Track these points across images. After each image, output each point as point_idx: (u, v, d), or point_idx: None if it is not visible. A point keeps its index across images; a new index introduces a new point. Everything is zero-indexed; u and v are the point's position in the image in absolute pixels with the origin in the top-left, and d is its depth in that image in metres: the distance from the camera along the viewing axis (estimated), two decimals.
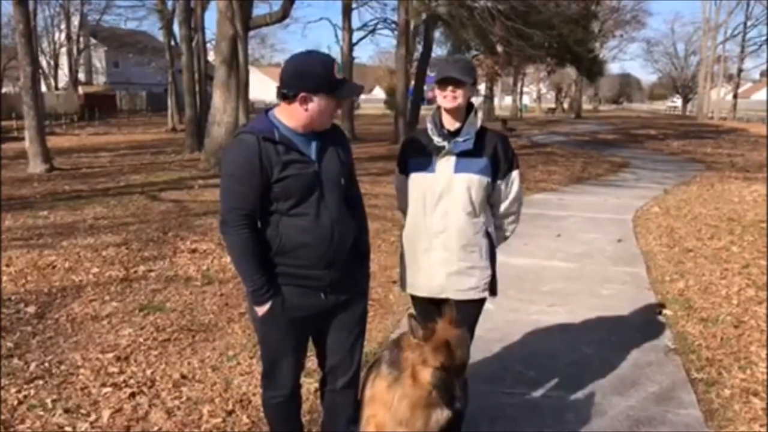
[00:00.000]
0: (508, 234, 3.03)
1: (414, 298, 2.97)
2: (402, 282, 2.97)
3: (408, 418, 2.41)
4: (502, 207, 2.90)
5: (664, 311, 5.14)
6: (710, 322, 4.91)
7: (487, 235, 2.84)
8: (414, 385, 2.36)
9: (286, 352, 2.54)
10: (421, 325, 2.36)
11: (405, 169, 2.88)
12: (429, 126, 2.81)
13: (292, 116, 2.36)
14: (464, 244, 2.77)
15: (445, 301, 2.82)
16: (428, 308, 2.90)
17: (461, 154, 2.73)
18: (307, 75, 2.29)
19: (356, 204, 2.62)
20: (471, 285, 2.80)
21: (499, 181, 2.81)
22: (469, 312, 2.86)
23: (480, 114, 2.81)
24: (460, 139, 2.73)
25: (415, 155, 2.83)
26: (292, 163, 2.33)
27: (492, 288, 2.88)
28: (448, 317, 2.47)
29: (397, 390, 2.43)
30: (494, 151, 2.77)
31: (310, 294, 2.46)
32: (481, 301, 2.88)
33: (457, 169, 2.73)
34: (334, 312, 2.56)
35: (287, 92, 2.31)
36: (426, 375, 2.32)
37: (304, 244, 2.38)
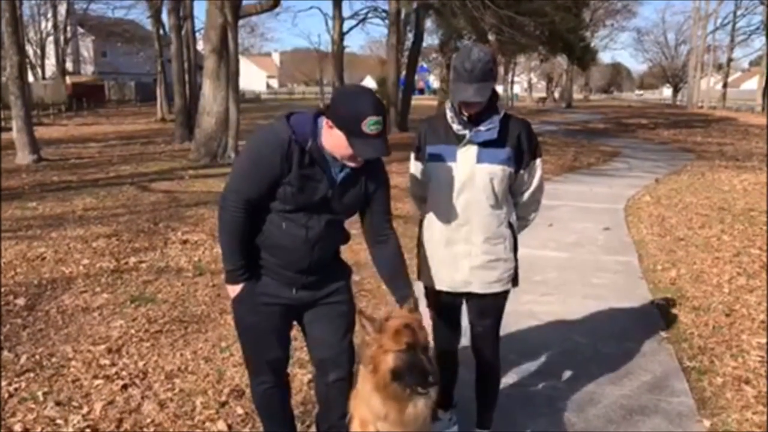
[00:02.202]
0: (529, 223, 2.94)
1: (432, 291, 2.87)
2: (419, 275, 2.89)
3: (383, 411, 2.37)
4: (525, 196, 2.81)
5: (659, 301, 5.17)
6: (702, 310, 4.94)
7: (510, 225, 2.75)
8: (374, 376, 2.31)
9: (261, 337, 2.54)
10: (370, 320, 2.31)
11: (422, 157, 2.79)
12: (448, 113, 2.68)
13: (326, 138, 2.29)
14: (487, 237, 2.68)
15: (468, 295, 2.78)
16: (448, 302, 2.85)
17: (484, 144, 2.61)
18: (338, 109, 2.23)
19: (386, 240, 2.54)
20: (495, 278, 2.73)
21: (522, 171, 2.71)
22: (493, 305, 2.82)
23: (501, 101, 2.69)
24: (482, 128, 2.60)
25: (434, 143, 2.71)
26: (309, 179, 2.30)
27: (514, 279, 2.81)
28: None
29: (366, 386, 2.40)
30: (518, 140, 2.66)
31: (281, 287, 2.47)
32: (504, 294, 2.82)
33: (480, 159, 2.61)
34: (311, 306, 2.54)
35: (326, 109, 2.28)
36: (388, 362, 2.25)
37: (282, 246, 2.39)
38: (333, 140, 2.26)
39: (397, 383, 2.26)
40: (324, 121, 2.29)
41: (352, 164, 2.31)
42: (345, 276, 2.64)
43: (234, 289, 2.47)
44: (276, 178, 2.28)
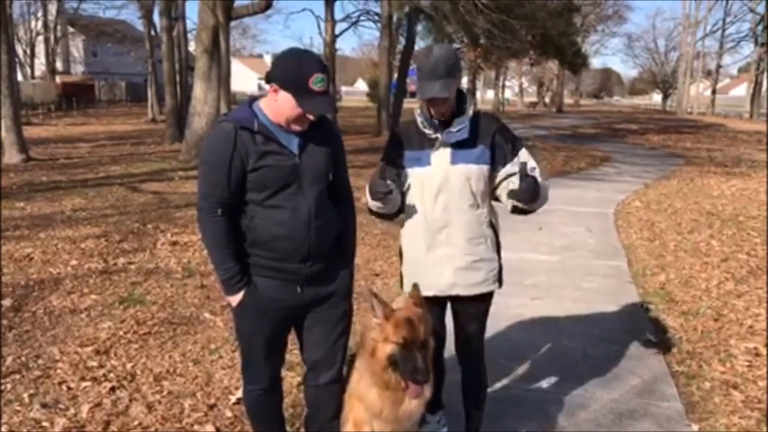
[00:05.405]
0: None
1: None
2: (403, 282, 2.88)
3: (378, 405, 2.40)
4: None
5: (648, 305, 5.19)
6: (691, 315, 4.96)
7: (491, 225, 2.75)
8: (372, 360, 2.37)
9: (262, 344, 2.51)
10: (382, 303, 2.37)
11: (392, 164, 2.75)
12: (419, 118, 2.70)
13: (270, 106, 2.33)
14: (469, 238, 2.68)
15: (454, 298, 2.77)
16: (434, 308, 2.81)
17: (456, 145, 2.63)
18: (283, 69, 2.27)
19: (342, 200, 2.57)
20: (479, 279, 2.73)
21: (508, 167, 2.67)
22: (478, 307, 2.81)
23: (471, 100, 2.68)
24: (453, 129, 2.62)
25: (406, 149, 2.71)
26: (270, 154, 2.31)
27: (499, 279, 2.81)
28: (413, 299, 2.48)
29: (364, 371, 2.44)
30: (492, 139, 2.66)
31: (286, 287, 2.43)
32: (490, 295, 2.82)
33: (454, 160, 2.63)
34: (313, 306, 2.52)
35: (268, 77, 2.30)
36: (385, 350, 2.33)
37: (278, 236, 2.35)
38: (279, 104, 2.28)
39: (392, 370, 2.34)
40: (272, 93, 2.29)
41: (298, 127, 2.32)
42: (348, 269, 2.61)
43: (235, 299, 2.42)
44: (237, 170, 2.29)
